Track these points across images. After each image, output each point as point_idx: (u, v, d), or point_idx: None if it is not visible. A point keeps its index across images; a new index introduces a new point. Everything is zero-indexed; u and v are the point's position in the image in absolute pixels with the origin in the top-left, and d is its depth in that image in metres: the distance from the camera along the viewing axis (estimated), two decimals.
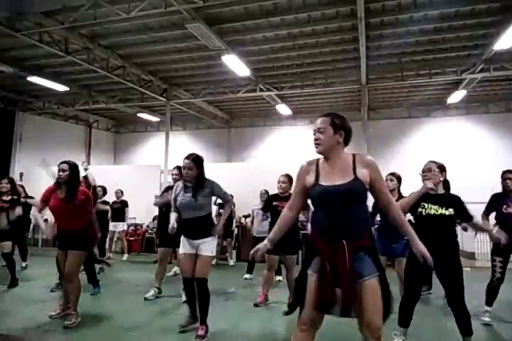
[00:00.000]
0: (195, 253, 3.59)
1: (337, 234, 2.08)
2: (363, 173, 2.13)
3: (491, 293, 4.20)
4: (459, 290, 3.11)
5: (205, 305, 3.51)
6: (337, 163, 2.19)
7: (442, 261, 3.02)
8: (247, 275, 6.79)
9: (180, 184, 3.74)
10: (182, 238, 3.68)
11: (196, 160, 3.56)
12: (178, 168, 5.13)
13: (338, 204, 2.10)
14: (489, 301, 4.20)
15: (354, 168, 2.14)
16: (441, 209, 3.20)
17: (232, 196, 9.20)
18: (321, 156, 2.26)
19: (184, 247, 3.65)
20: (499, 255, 4.17)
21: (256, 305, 4.70)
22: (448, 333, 3.62)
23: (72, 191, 3.70)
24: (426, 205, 3.23)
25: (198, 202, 3.56)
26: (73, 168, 3.76)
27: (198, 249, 3.58)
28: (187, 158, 3.56)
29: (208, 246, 3.59)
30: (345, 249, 2.03)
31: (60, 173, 3.71)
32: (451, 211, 3.20)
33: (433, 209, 3.21)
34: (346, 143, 2.24)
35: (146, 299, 4.89)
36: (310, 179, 2.22)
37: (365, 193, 2.17)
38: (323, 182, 2.17)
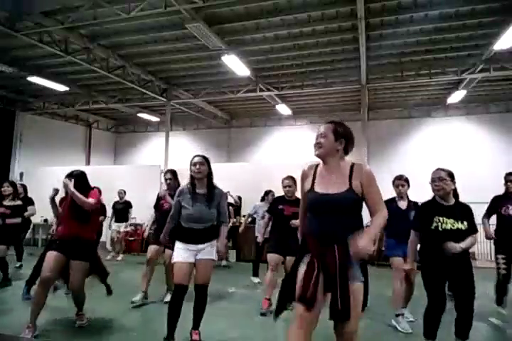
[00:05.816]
0: (193, 262, 3.32)
1: (327, 240, 2.10)
2: (357, 184, 2.15)
3: (500, 291, 4.20)
4: (470, 299, 2.99)
5: (203, 311, 3.36)
6: (334, 170, 2.21)
7: (456, 274, 2.99)
8: (256, 280, 6.38)
9: (185, 189, 3.43)
10: (179, 244, 3.36)
11: (206, 158, 3.46)
12: (172, 171, 5.01)
13: (330, 212, 2.13)
14: (499, 300, 4.19)
15: (350, 178, 2.16)
16: (457, 223, 3.01)
17: (240, 198, 9.25)
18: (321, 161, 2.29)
19: (182, 255, 3.31)
20: (502, 253, 4.24)
21: (263, 314, 4.34)
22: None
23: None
24: (441, 219, 3.03)
25: (212, 213, 3.40)
26: (77, 177, 3.76)
27: (198, 254, 3.33)
28: (197, 155, 3.45)
29: (211, 250, 3.38)
30: (335, 251, 2.05)
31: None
32: (465, 224, 3.03)
33: (449, 224, 3.01)
34: (346, 152, 2.26)
35: (132, 303, 4.57)
36: (307, 184, 2.27)
37: (358, 203, 2.17)
38: (318, 189, 2.20)
